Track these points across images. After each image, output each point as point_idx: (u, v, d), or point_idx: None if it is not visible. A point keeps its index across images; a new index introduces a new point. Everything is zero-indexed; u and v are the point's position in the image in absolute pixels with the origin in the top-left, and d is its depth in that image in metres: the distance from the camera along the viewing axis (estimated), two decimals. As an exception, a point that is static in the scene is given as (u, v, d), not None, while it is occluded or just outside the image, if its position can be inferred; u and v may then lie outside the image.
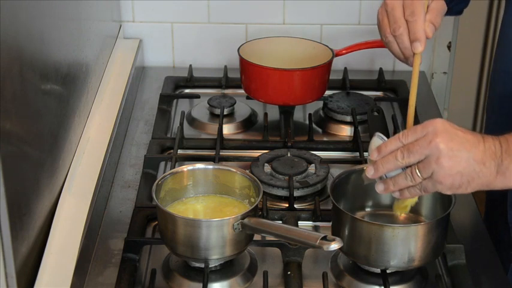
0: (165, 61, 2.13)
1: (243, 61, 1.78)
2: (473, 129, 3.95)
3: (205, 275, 1.30)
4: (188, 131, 1.79)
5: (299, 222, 1.48)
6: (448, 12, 1.49)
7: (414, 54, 1.36)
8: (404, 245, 1.28)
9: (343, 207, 1.33)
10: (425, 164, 1.19)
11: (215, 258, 1.31)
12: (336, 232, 1.33)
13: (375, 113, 1.61)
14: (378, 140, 1.27)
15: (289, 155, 1.65)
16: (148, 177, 1.60)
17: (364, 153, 1.66)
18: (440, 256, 1.40)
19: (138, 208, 1.50)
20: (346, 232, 1.31)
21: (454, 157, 1.17)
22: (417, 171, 1.20)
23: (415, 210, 1.41)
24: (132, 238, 1.41)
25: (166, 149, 1.71)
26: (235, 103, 1.86)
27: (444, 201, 1.34)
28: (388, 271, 1.32)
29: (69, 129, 1.47)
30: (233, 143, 1.72)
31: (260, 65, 1.75)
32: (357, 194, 1.42)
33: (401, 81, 2.01)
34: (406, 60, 1.39)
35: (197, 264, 1.34)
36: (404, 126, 1.81)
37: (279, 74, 1.75)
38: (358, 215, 1.41)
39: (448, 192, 1.21)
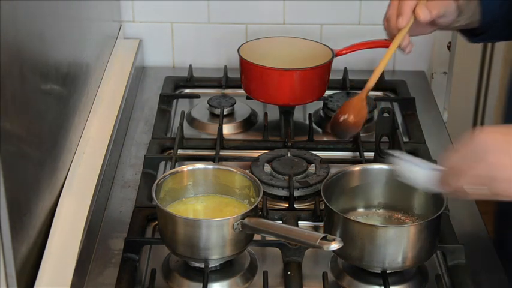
0: (165, 61, 2.13)
1: (243, 61, 1.78)
2: (473, 129, 3.94)
3: (205, 275, 1.30)
4: (188, 131, 1.79)
5: (299, 222, 1.48)
6: (495, 39, 1.51)
7: (398, 30, 1.35)
8: (397, 245, 1.28)
9: (335, 208, 1.33)
10: (480, 184, 1.13)
11: (215, 258, 1.31)
12: (328, 233, 1.32)
13: (386, 114, 1.60)
14: (406, 164, 1.26)
15: (289, 155, 1.65)
16: (148, 177, 1.60)
17: (364, 153, 1.66)
18: (441, 256, 1.40)
19: (138, 208, 1.50)
20: (339, 233, 1.31)
21: (510, 173, 1.11)
22: (472, 189, 1.15)
23: (408, 211, 1.41)
24: (132, 238, 1.41)
25: (166, 149, 1.71)
26: (235, 103, 1.86)
27: (437, 201, 1.33)
28: (388, 271, 1.32)
29: (69, 129, 1.47)
30: (233, 143, 1.72)
31: (260, 65, 1.75)
32: (349, 194, 1.41)
33: (402, 81, 2.01)
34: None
35: (197, 264, 1.34)
36: (404, 126, 1.81)
37: (279, 74, 1.74)
38: (351, 215, 1.41)
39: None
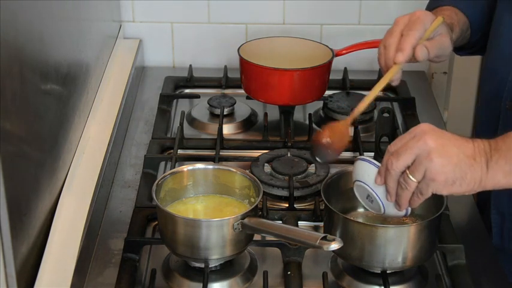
0: (165, 61, 2.13)
1: (243, 61, 1.78)
2: (473, 129, 3.94)
3: (205, 275, 1.30)
4: (188, 131, 1.79)
5: (299, 222, 1.48)
6: (485, 50, 1.54)
7: (394, 63, 1.37)
8: (397, 245, 1.28)
9: (335, 208, 1.33)
10: (417, 164, 1.19)
11: (215, 258, 1.31)
12: (328, 233, 1.32)
13: (386, 114, 1.60)
14: (365, 164, 1.27)
15: (289, 155, 1.65)
16: (148, 177, 1.60)
17: (364, 153, 1.66)
18: (441, 256, 1.40)
19: (138, 208, 1.50)
20: (339, 233, 1.31)
21: (444, 153, 1.18)
22: (409, 175, 1.20)
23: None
24: (132, 238, 1.41)
25: (166, 149, 1.71)
26: (235, 103, 1.86)
27: (437, 201, 1.33)
28: (388, 271, 1.32)
29: (69, 129, 1.47)
30: (233, 143, 1.72)
31: (260, 65, 1.75)
32: (349, 194, 1.41)
33: (402, 81, 2.00)
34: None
35: (197, 264, 1.34)
36: (404, 126, 1.81)
37: (279, 74, 1.74)
38: (351, 215, 1.41)
39: (444, 192, 1.21)
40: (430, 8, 1.57)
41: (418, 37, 1.37)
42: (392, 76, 1.38)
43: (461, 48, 1.60)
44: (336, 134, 1.37)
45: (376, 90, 1.38)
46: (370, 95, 1.38)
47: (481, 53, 1.60)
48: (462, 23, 1.51)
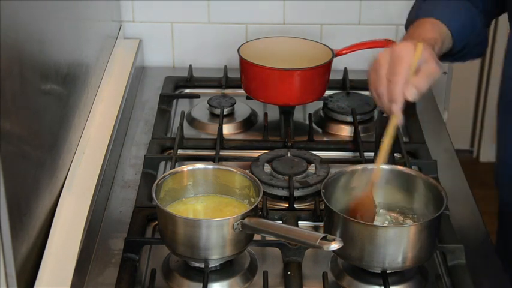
0: (165, 61, 2.14)
1: (243, 61, 1.78)
2: (473, 129, 3.95)
3: (205, 275, 1.30)
4: (188, 131, 1.79)
5: (299, 222, 1.48)
6: (468, 57, 1.57)
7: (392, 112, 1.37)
8: (397, 245, 1.28)
9: (335, 208, 1.33)
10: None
11: (215, 258, 1.31)
12: (328, 233, 1.32)
13: (386, 114, 1.60)
14: None
15: (289, 155, 1.65)
16: (148, 177, 1.60)
17: (364, 153, 1.66)
18: (440, 256, 1.40)
19: (138, 208, 1.50)
20: (339, 233, 1.31)
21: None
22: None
23: (407, 211, 1.41)
24: (132, 238, 1.41)
25: (166, 149, 1.71)
26: (235, 103, 1.86)
27: (437, 202, 1.34)
28: (388, 271, 1.32)
29: (69, 129, 1.47)
30: (233, 143, 1.72)
31: (260, 65, 1.75)
32: (349, 194, 1.41)
33: (401, 81, 2.01)
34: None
35: (197, 264, 1.34)
36: (404, 126, 1.81)
37: (279, 74, 1.75)
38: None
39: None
40: (410, 20, 1.54)
41: (404, 80, 1.35)
42: (393, 128, 1.38)
43: (443, 56, 1.55)
44: (362, 207, 1.37)
45: (385, 145, 1.37)
46: (381, 152, 1.37)
47: (463, 60, 1.59)
48: (445, 35, 1.49)
